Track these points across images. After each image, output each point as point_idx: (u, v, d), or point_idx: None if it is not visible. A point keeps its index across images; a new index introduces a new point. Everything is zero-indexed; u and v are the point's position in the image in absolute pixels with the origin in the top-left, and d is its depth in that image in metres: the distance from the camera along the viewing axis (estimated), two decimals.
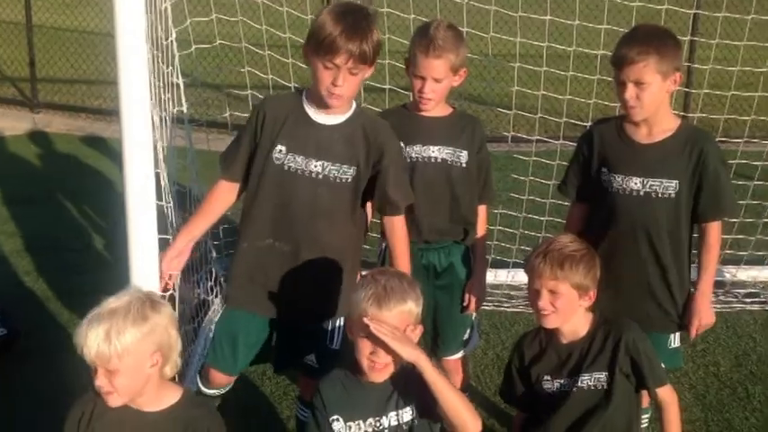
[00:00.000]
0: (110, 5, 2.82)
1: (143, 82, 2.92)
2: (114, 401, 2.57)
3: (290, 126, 3.19)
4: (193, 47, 4.81)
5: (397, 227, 3.36)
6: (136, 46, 2.87)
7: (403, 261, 3.34)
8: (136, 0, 2.84)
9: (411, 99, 3.60)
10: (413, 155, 3.50)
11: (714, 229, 3.34)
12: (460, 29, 3.56)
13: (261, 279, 3.27)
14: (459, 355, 3.78)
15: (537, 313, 3.07)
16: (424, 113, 3.52)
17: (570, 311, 3.05)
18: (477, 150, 3.56)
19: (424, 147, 3.50)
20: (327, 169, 3.17)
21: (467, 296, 3.65)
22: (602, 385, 3.04)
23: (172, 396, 2.69)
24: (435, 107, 3.51)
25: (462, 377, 3.86)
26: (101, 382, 2.52)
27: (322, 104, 3.17)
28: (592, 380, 3.05)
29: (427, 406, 2.71)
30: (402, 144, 3.46)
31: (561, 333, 3.10)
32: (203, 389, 3.54)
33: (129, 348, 2.50)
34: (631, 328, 3.06)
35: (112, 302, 2.55)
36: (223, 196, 3.34)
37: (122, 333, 2.49)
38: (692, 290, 3.42)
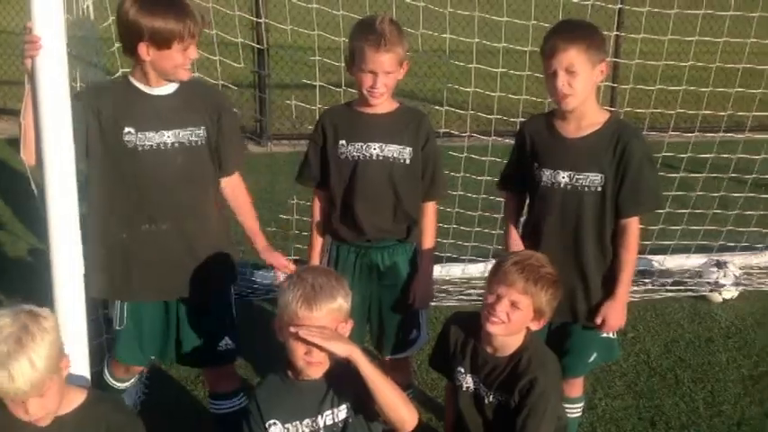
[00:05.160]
0: (26, 4, 2.72)
1: (62, 82, 2.82)
2: (47, 420, 2.51)
3: (125, 106, 3.12)
4: (116, 45, 4.70)
5: (236, 187, 3.44)
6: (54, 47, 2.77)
7: (250, 222, 3.48)
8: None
9: (359, 96, 3.47)
10: (354, 153, 3.43)
11: (633, 227, 3.29)
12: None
13: (148, 264, 3.24)
14: (405, 354, 3.70)
15: (486, 316, 3.00)
16: (366, 110, 3.44)
17: (518, 328, 3.02)
18: (422, 146, 3.46)
19: (366, 144, 3.41)
20: (180, 135, 3.17)
21: (411, 293, 3.57)
22: (511, 405, 3.03)
23: (78, 396, 2.65)
24: (384, 102, 3.43)
25: (406, 375, 3.80)
26: (35, 410, 2.44)
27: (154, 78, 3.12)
28: (503, 398, 3.06)
29: (363, 402, 2.68)
30: (344, 142, 3.44)
31: (492, 341, 3.08)
32: (111, 380, 3.62)
33: (51, 364, 2.43)
34: (546, 373, 2.99)
35: (5, 329, 2.39)
36: None
37: (41, 355, 2.39)
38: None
